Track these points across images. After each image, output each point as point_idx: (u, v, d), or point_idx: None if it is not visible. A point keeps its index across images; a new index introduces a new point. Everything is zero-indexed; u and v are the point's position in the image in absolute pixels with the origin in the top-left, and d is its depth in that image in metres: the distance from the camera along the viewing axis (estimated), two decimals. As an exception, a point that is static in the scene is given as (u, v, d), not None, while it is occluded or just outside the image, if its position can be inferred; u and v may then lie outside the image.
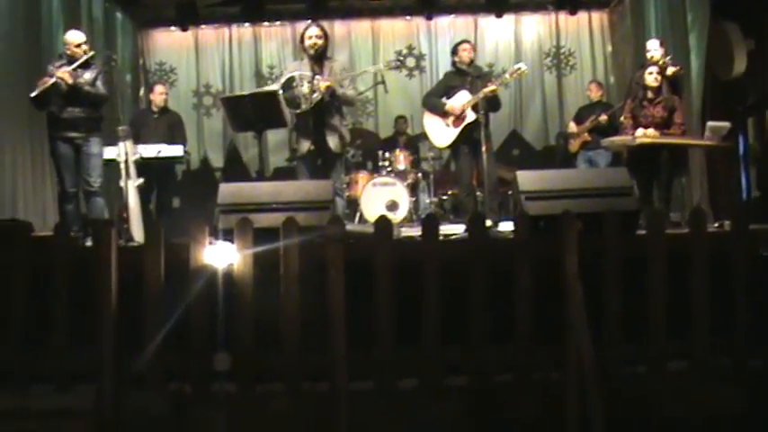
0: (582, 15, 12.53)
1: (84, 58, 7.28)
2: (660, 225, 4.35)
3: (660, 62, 7.69)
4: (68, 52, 7.35)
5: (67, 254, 4.25)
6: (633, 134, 7.16)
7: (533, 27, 12.68)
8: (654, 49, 7.95)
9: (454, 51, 8.19)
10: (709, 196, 8.73)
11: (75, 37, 7.42)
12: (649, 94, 7.32)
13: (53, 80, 7.04)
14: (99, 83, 7.34)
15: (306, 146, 7.03)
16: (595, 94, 10.17)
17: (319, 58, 7.15)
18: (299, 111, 6.95)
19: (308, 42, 7.13)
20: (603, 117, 9.30)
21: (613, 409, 3.95)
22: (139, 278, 4.11)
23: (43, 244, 4.41)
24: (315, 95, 6.91)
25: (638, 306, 4.19)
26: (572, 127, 9.96)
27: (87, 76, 7.26)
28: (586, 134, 9.61)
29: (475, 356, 4.12)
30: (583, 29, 12.63)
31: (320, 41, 7.13)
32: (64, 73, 7.07)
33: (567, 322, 4.01)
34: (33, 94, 7.07)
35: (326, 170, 7.11)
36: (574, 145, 9.84)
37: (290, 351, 4.05)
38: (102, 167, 7.38)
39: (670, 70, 7.68)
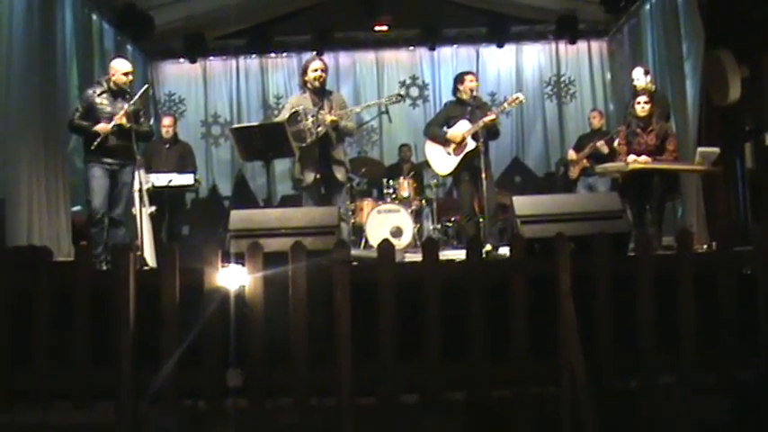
0: (581, 44, 12.78)
1: (138, 96, 7.26)
2: (648, 245, 4.53)
3: (644, 89, 7.85)
4: (113, 78, 7.25)
5: (88, 278, 4.40)
6: (626, 160, 7.37)
7: (534, 56, 12.94)
8: (637, 77, 8.16)
9: (460, 80, 8.24)
10: (707, 220, 8.88)
11: (123, 65, 7.37)
12: (641, 123, 7.47)
13: (110, 127, 6.99)
14: (143, 119, 7.40)
15: (311, 176, 7.19)
16: (597, 122, 10.35)
17: (321, 91, 7.34)
18: (304, 144, 7.12)
19: (312, 75, 7.28)
20: (601, 143, 9.51)
21: (607, 422, 4.13)
22: (156, 300, 4.26)
23: (63, 269, 4.60)
24: (320, 129, 7.12)
25: (631, 323, 4.34)
26: (571, 155, 10.14)
27: (126, 107, 7.09)
28: (585, 161, 9.81)
29: (473, 371, 4.27)
30: (582, 57, 12.88)
31: (324, 74, 7.33)
32: (121, 119, 7.01)
33: (560, 339, 4.21)
34: (93, 146, 7.02)
35: (332, 198, 7.28)
36: (574, 171, 10.03)
37: (299, 368, 4.21)
38: (128, 198, 7.38)
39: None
